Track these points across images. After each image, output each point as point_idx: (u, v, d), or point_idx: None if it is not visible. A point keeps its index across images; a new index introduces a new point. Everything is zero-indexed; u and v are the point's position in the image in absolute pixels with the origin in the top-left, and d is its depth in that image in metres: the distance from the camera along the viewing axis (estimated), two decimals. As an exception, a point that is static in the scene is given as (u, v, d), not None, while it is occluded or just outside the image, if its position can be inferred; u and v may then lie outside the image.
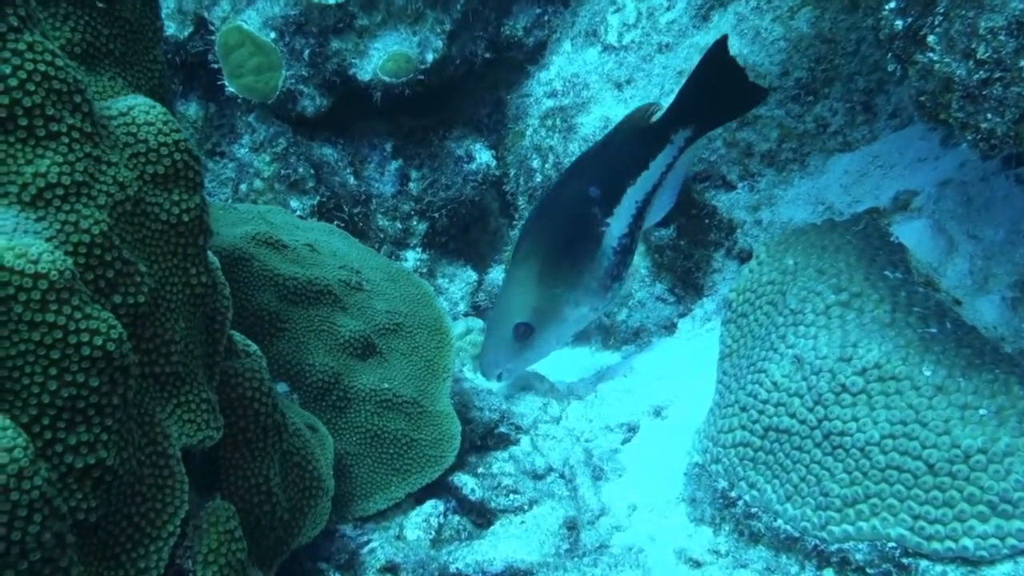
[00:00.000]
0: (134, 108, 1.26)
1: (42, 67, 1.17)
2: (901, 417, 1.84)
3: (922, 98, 1.54)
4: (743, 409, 2.07)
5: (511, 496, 2.24)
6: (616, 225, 2.65)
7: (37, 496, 0.99)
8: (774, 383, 2.02)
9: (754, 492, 2.03)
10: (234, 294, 2.22)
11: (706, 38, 2.87)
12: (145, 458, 1.23)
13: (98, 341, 1.11)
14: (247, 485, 1.48)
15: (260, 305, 2.20)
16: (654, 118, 2.64)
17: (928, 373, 1.85)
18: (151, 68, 1.62)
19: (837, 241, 2.18)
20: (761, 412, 2.03)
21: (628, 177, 2.65)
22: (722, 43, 2.62)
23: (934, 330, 1.93)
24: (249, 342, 1.63)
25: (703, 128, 2.66)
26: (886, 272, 2.06)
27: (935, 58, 1.52)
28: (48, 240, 1.14)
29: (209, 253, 1.40)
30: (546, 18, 3.49)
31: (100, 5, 1.58)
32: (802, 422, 1.96)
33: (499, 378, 2.68)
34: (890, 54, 1.58)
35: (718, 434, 2.12)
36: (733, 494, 2.06)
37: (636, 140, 2.65)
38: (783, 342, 2.06)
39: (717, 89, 2.63)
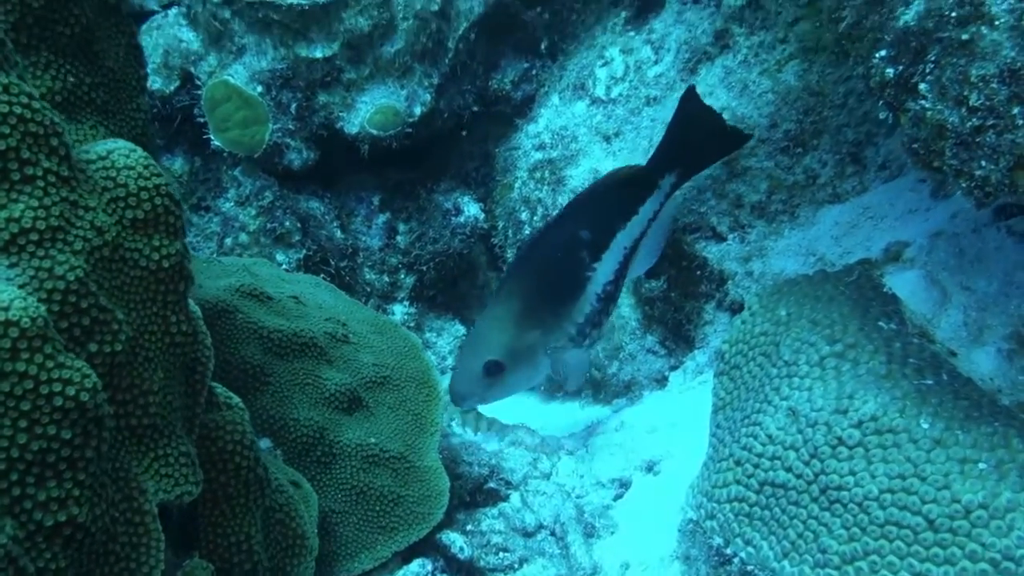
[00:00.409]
0: (114, 152, 1.22)
1: (18, 109, 1.14)
2: (899, 471, 1.80)
3: (915, 145, 1.52)
4: (738, 463, 2.03)
5: (501, 554, 2.18)
6: (603, 271, 2.63)
7: (2, 555, 0.94)
8: (769, 436, 1.97)
9: (750, 549, 1.98)
10: (217, 347, 2.18)
11: (694, 91, 2.87)
12: (119, 515, 1.18)
13: (71, 391, 1.07)
14: (227, 543, 1.43)
15: (244, 358, 2.15)
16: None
17: (926, 426, 1.81)
18: (134, 117, 1.59)
19: (830, 292, 2.15)
20: (756, 466, 1.98)
21: (618, 222, 2.65)
22: (691, 91, 2.71)
23: (930, 382, 1.89)
24: (231, 394, 1.58)
25: (687, 173, 2.71)
26: (880, 323, 2.03)
27: (927, 105, 1.50)
28: (21, 287, 1.10)
29: (191, 301, 1.36)
30: (534, 72, 3.49)
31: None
32: (798, 476, 1.91)
33: (466, 409, 2.67)
34: (881, 102, 1.57)
35: (712, 489, 2.07)
36: (729, 551, 2.00)
37: (625, 186, 2.66)
38: (777, 394, 2.02)
39: (696, 134, 2.70)
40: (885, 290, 2.10)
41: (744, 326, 2.23)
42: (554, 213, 3.11)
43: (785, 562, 1.90)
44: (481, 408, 2.84)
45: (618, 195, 2.67)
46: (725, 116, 2.69)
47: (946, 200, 2.24)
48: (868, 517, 1.79)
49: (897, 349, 1.95)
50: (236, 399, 1.59)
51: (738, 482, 2.01)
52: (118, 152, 1.22)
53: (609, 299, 2.67)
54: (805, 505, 1.89)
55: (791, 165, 2.59)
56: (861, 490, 1.81)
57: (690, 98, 2.72)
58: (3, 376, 1.04)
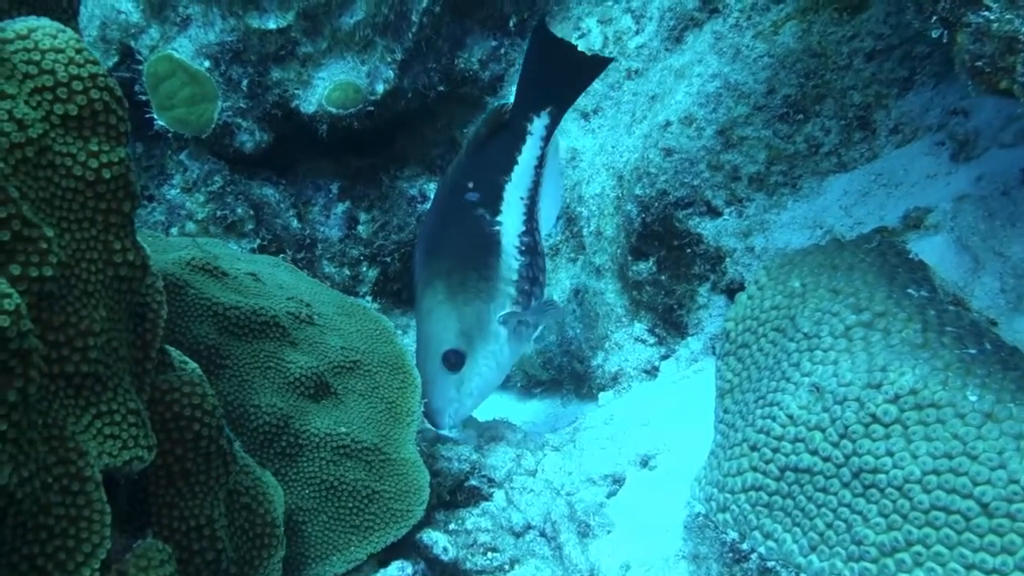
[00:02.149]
0: (37, 31, 0.98)
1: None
2: (945, 450, 1.61)
3: (978, 63, 1.33)
4: (753, 448, 1.83)
5: (490, 555, 1.96)
6: (508, 223, 2.51)
7: None
8: (790, 416, 1.78)
9: (770, 543, 1.78)
10: (167, 325, 1.94)
11: (680, 60, 2.68)
12: (52, 481, 0.93)
13: (-14, 314, 0.83)
14: (185, 527, 1.18)
15: (197, 338, 1.91)
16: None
17: (974, 398, 1.62)
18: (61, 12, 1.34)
19: (849, 260, 1.97)
20: (776, 450, 1.79)
21: (502, 174, 2.55)
22: (541, 26, 2.65)
23: (973, 351, 1.71)
24: (186, 359, 1.34)
25: (558, 111, 2.62)
26: (910, 290, 1.85)
27: (992, 16, 1.31)
28: (-78, 184, 0.86)
29: (140, 239, 1.12)
30: (503, 51, 3.30)
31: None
32: (826, 459, 1.72)
33: (451, 425, 2.39)
34: (934, 18, 1.38)
35: (724, 478, 1.87)
36: (745, 547, 1.80)
37: (497, 138, 2.57)
38: (797, 370, 1.83)
39: (555, 69, 2.62)
40: (911, 257, 1.92)
41: (751, 301, 2.05)
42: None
43: (813, 556, 1.71)
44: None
45: (494, 149, 2.56)
46: (717, 83, 2.50)
47: (968, 162, 2.07)
48: (910, 503, 1.60)
49: (932, 317, 1.77)
50: (192, 364, 1.35)
51: (755, 469, 1.82)
52: (42, 31, 0.98)
53: (532, 251, 2.54)
54: (835, 491, 1.70)
55: (791, 133, 2.41)
56: (901, 472, 1.62)
57: (541, 34, 2.63)
58: None
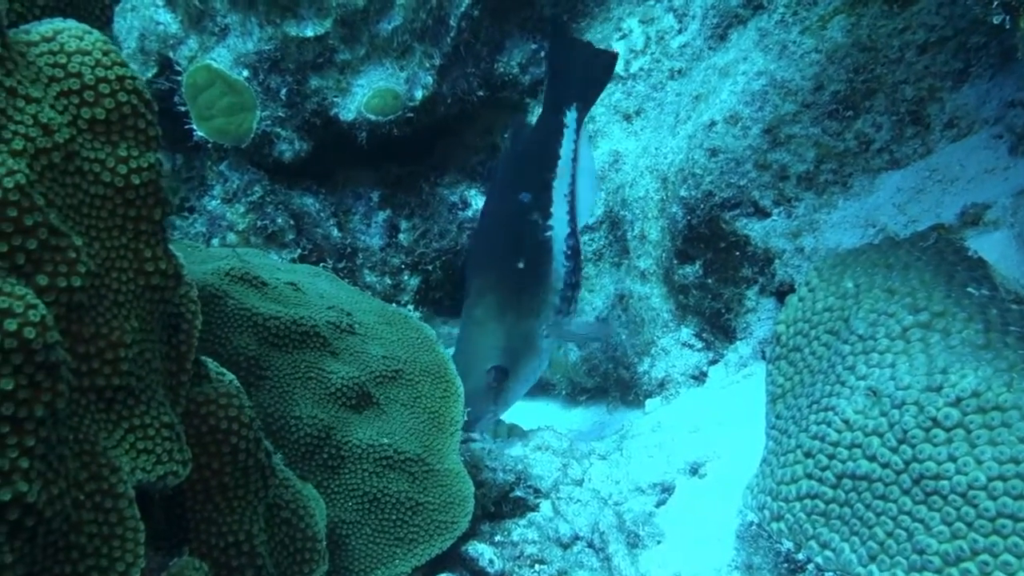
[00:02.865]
0: (62, 32, 0.95)
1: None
2: (1012, 454, 1.55)
3: (1045, 51, 1.27)
4: (808, 455, 1.77)
5: (537, 567, 1.92)
6: (558, 227, 2.50)
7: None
8: (846, 422, 1.72)
9: (828, 553, 1.72)
10: (205, 336, 1.92)
11: (725, 58, 2.62)
12: (84, 498, 0.90)
13: (11, 325, 0.79)
14: (223, 543, 1.14)
15: (236, 349, 1.88)
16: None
17: (1041, 400, 1.55)
18: (94, 20, 1.32)
19: (904, 259, 1.91)
20: (832, 456, 1.73)
21: (548, 172, 2.55)
22: (557, 25, 2.77)
23: (1038, 351, 1.63)
24: (224, 371, 1.31)
25: (585, 105, 2.65)
26: (969, 289, 1.78)
27: (1058, -1, 1.25)
28: (-56, 192, 0.83)
29: (176, 248, 1.09)
30: (543, 54, 3.25)
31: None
32: (885, 465, 1.66)
33: (482, 431, 2.37)
34: (995, 3, 1.32)
35: (778, 486, 1.82)
36: (801, 556, 1.75)
37: (536, 136, 2.58)
38: (852, 373, 1.77)
39: (576, 64, 2.66)
40: (969, 254, 1.85)
41: (803, 303, 2.00)
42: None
43: (873, 566, 1.65)
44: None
45: (534, 148, 2.57)
46: (762, 81, 2.44)
47: (1027, 156, 2.00)
48: (975, 510, 1.55)
49: (994, 316, 1.71)
50: (230, 375, 1.31)
51: (809, 476, 1.76)
52: (68, 33, 0.95)
53: (576, 255, 2.53)
54: (895, 499, 1.64)
55: (840, 131, 2.34)
56: (964, 478, 1.56)
57: (559, 32, 2.71)
58: (-81, 305, 0.76)
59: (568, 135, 2.57)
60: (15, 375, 0.81)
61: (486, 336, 2.39)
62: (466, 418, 2.24)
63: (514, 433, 2.48)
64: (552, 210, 2.49)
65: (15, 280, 0.81)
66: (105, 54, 0.95)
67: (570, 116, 2.59)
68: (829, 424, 1.73)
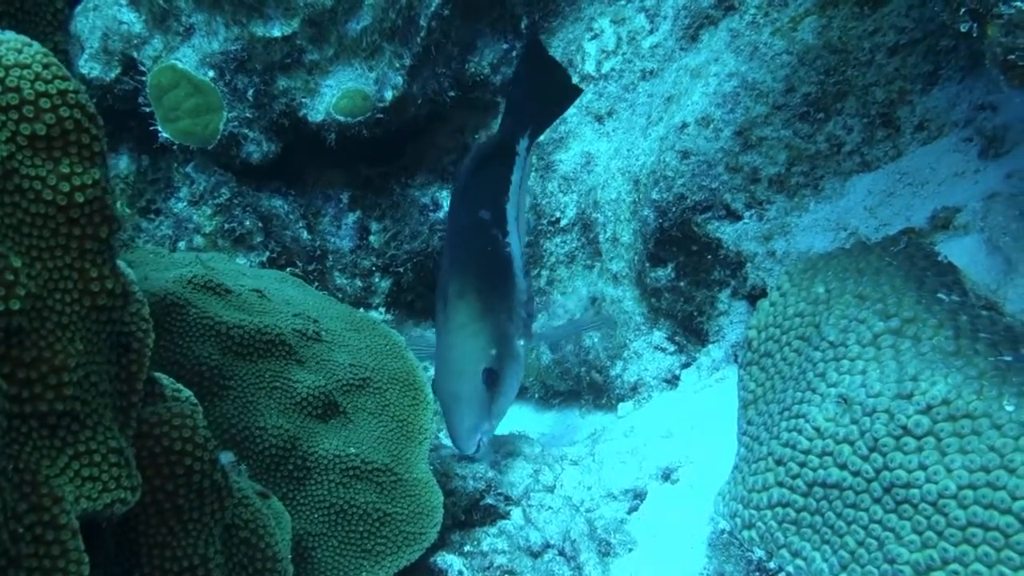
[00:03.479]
0: (0, 45, 0.92)
1: None
2: (982, 463, 1.54)
3: (1011, 56, 1.26)
4: (779, 462, 1.76)
5: (506, 578, 1.88)
6: (514, 243, 2.49)
7: None
8: (816, 429, 1.71)
9: (799, 562, 1.71)
10: (167, 346, 1.89)
11: (696, 59, 2.60)
12: (24, 531, 0.87)
13: (-57, 356, 0.76)
14: (178, 568, 1.11)
15: (199, 359, 1.85)
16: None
17: (1011, 408, 1.55)
18: (46, 25, 1.28)
19: (876, 264, 1.89)
20: (803, 464, 1.72)
21: (501, 195, 2.53)
22: (535, 44, 2.69)
23: (1009, 358, 1.63)
24: (180, 387, 1.27)
25: (537, 132, 2.65)
26: (940, 295, 1.77)
27: (1025, 7, 1.24)
28: None
29: (121, 263, 1.05)
30: (514, 53, 3.22)
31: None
32: (855, 474, 1.64)
33: (478, 448, 2.27)
34: (963, 10, 1.30)
35: (749, 494, 1.80)
36: (772, 565, 1.74)
37: (493, 159, 2.55)
38: (823, 380, 1.76)
39: (543, 90, 2.63)
40: (940, 259, 1.83)
41: (774, 308, 1.98)
42: (544, 205, 2.90)
43: (844, 575, 1.63)
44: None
45: (492, 169, 2.54)
46: (734, 82, 2.42)
47: (998, 159, 1.99)
48: (945, 519, 1.53)
49: (964, 322, 1.69)
50: (186, 392, 1.28)
51: (781, 484, 1.75)
52: (6, 46, 0.92)
53: (527, 272, 2.54)
54: (866, 507, 1.63)
55: (812, 133, 2.32)
56: (935, 487, 1.55)
57: (534, 52, 2.65)
58: None
59: (519, 162, 2.56)
60: (-53, 407, 0.78)
61: (475, 338, 2.31)
62: (459, 433, 2.18)
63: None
64: (508, 228, 2.49)
65: (-54, 308, 0.78)
66: (46, 67, 0.91)
67: (522, 144, 2.58)
68: (800, 431, 1.72)
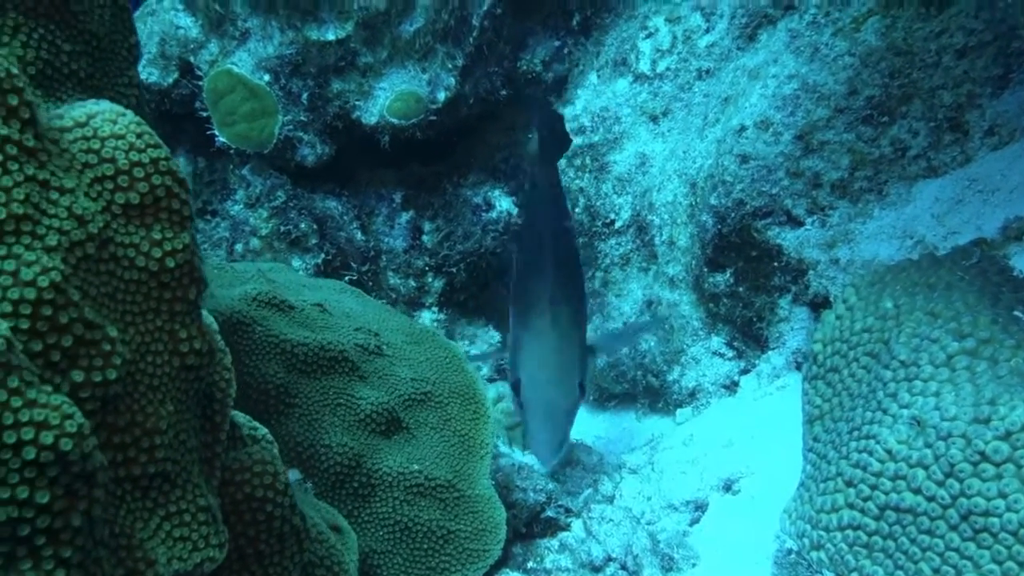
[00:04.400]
0: (96, 116, 0.92)
1: (-33, 56, 0.84)
2: (1065, 491, 1.49)
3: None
4: (849, 484, 1.73)
5: (571, 596, 1.87)
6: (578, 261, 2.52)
7: None
8: (888, 451, 1.67)
9: (871, 585, 1.67)
10: (234, 366, 1.88)
11: (754, 60, 2.55)
12: (121, 598, 0.87)
13: (47, 439, 0.76)
14: (260, 615, 1.12)
15: (265, 378, 1.85)
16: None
17: (1093, 435, 1.50)
18: (126, 94, 1.29)
19: (946, 278, 1.85)
20: (874, 487, 1.68)
21: (565, 218, 2.58)
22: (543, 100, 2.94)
23: (1091, 381, 1.58)
24: (256, 424, 1.27)
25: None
26: (1016, 313, 1.72)
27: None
28: (-26, 295, 0.80)
29: (204, 312, 1.05)
30: (566, 51, 3.18)
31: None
32: (930, 499, 1.61)
33: (557, 460, 2.26)
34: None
35: (818, 514, 1.77)
36: (842, 587, 1.70)
37: (550, 186, 2.61)
38: (895, 401, 1.72)
39: (552, 135, 2.76)
40: (1015, 274, 1.79)
41: (840, 322, 1.94)
42: (599, 207, 2.90)
43: (917, 602, 1.60)
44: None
45: (551, 194, 2.59)
46: (794, 84, 2.37)
47: (1074, 166, 1.94)
48: (1026, 548, 1.49)
49: (1042, 343, 1.65)
50: (262, 430, 1.28)
51: (851, 506, 1.71)
52: (102, 116, 0.91)
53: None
54: (941, 534, 1.59)
55: (876, 136, 2.27)
56: (1016, 516, 1.51)
57: (542, 105, 2.89)
58: (-50, 421, 0.73)
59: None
60: (51, 487, 0.78)
61: (572, 349, 2.27)
62: (549, 447, 2.15)
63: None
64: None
65: (49, 388, 0.78)
66: (139, 136, 0.91)
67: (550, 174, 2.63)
68: (871, 453, 1.69)
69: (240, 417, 1.28)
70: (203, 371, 0.99)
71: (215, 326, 1.09)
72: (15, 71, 0.85)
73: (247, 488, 1.13)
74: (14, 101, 0.85)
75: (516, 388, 2.21)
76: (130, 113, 0.92)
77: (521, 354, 2.27)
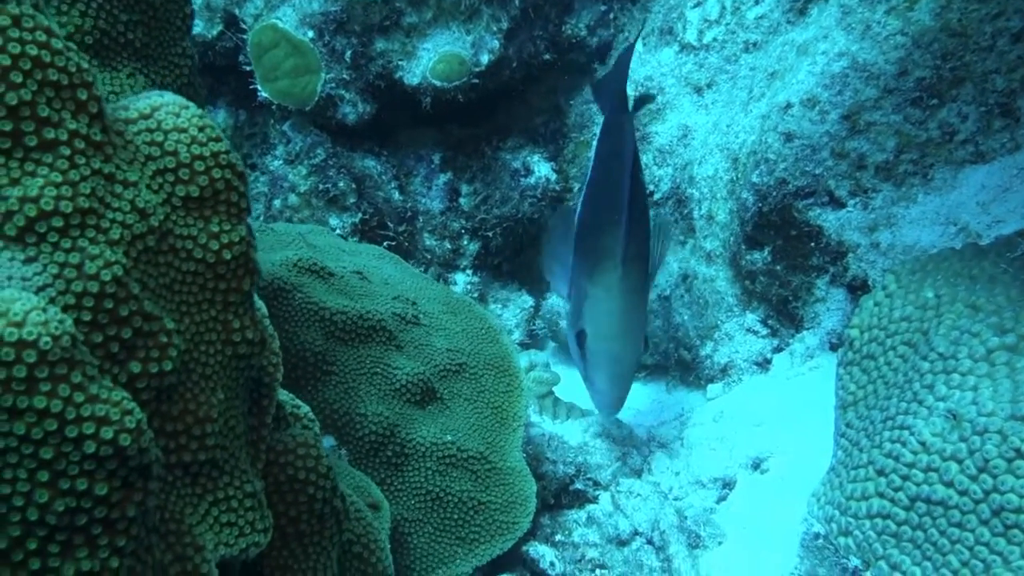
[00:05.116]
0: (160, 109, 0.92)
1: (33, 50, 0.84)
2: (1099, 493, 1.49)
3: None
4: (880, 473, 1.73)
5: (597, 572, 1.90)
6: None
7: None
8: (922, 443, 1.68)
9: (898, 575, 1.68)
10: (275, 332, 1.91)
11: (804, 35, 2.51)
12: (171, 584, 0.89)
13: (107, 434, 0.78)
14: (300, 594, 1.14)
15: (304, 344, 1.87)
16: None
17: None
18: (179, 64, 1.30)
19: (989, 270, 1.84)
20: (906, 478, 1.69)
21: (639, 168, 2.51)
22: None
23: None
24: (298, 402, 1.30)
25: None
26: (1058, 310, 1.71)
27: None
28: (40, 291, 0.81)
29: (256, 298, 1.07)
30: (612, 16, 3.15)
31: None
32: (962, 493, 1.61)
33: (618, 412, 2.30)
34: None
35: (847, 501, 1.78)
36: (869, 575, 1.71)
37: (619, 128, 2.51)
38: (931, 393, 1.72)
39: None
40: (1059, 269, 1.78)
41: (878, 308, 1.94)
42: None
43: (945, 593, 1.61)
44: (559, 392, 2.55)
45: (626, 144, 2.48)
46: (843, 63, 2.34)
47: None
48: (1056, 547, 1.50)
49: (1084, 342, 1.64)
50: (304, 407, 1.30)
51: (881, 495, 1.72)
52: (166, 109, 0.92)
53: None
54: (972, 528, 1.60)
55: (924, 119, 2.24)
56: (1048, 514, 1.51)
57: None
58: (16, 415, 0.75)
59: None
60: (109, 480, 0.79)
61: (643, 305, 2.29)
62: (614, 398, 2.18)
63: (572, 414, 2.45)
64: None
65: (109, 383, 0.79)
66: (201, 130, 0.92)
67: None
68: (904, 444, 1.69)
69: (283, 394, 1.30)
70: (254, 360, 1.01)
71: (265, 311, 1.10)
72: (85, 65, 0.86)
73: (290, 470, 1.15)
74: (83, 96, 0.86)
75: (580, 339, 2.21)
76: (193, 106, 0.93)
77: (588, 307, 2.26)
